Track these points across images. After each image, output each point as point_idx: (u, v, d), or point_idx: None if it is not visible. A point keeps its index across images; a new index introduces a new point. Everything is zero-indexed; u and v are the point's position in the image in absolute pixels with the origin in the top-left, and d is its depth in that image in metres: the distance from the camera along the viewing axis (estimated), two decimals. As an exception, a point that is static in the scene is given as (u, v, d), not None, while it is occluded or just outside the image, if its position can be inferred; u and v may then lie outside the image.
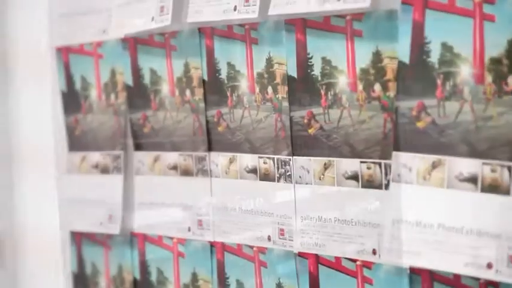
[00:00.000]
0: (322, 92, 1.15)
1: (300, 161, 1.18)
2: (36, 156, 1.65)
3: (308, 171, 1.18)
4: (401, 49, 1.05)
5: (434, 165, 1.03)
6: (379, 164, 1.09)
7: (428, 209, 1.03)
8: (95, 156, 1.50)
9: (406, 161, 1.05)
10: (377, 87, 1.09)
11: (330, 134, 1.15)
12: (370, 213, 1.11)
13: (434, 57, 1.02)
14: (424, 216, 1.03)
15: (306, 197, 1.18)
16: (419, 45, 1.03)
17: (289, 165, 1.20)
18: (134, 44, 1.40)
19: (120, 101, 1.45)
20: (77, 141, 1.54)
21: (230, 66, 1.26)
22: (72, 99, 1.54)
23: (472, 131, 0.99)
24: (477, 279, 0.99)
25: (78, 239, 1.55)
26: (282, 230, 1.22)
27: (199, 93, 1.31)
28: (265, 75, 1.22)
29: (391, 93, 1.07)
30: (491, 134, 0.97)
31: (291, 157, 1.19)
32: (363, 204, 1.12)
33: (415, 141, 1.04)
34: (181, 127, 1.35)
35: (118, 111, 1.45)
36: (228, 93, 1.27)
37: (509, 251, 0.95)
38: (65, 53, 1.54)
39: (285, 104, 1.19)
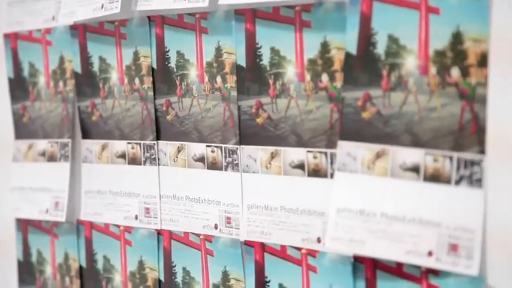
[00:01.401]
0: (271, 81, 1.16)
1: (247, 150, 1.19)
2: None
3: (255, 160, 1.19)
4: (349, 40, 1.06)
5: (378, 155, 1.04)
6: (325, 154, 1.11)
7: (372, 197, 1.05)
8: (42, 144, 1.49)
9: (351, 150, 1.07)
10: (324, 77, 1.11)
11: (278, 123, 1.16)
12: (315, 202, 1.12)
13: (380, 49, 1.04)
14: (368, 205, 1.05)
15: (253, 185, 1.19)
16: (366, 36, 1.05)
17: (236, 154, 1.21)
18: (83, 31, 1.40)
19: (68, 88, 1.44)
20: (24, 129, 1.53)
21: (180, 55, 1.27)
22: (20, 86, 1.53)
23: (415, 121, 1.01)
24: (419, 267, 1.01)
25: (24, 226, 1.54)
26: (228, 218, 1.23)
27: (148, 81, 1.31)
28: (215, 65, 1.23)
29: (338, 83, 1.09)
30: (435, 124, 0.99)
31: (238, 146, 1.20)
32: (309, 193, 1.13)
33: (360, 131, 1.06)
34: (129, 115, 1.35)
35: (66, 98, 1.45)
36: (177, 82, 1.27)
37: (450, 239, 0.97)
38: (13, 40, 1.53)
39: (234, 93, 1.20)
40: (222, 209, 1.23)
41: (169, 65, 1.28)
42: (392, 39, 1.03)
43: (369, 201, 1.05)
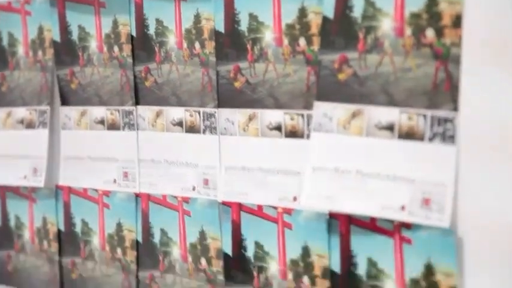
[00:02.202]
0: (249, 47, 1.19)
1: (225, 113, 1.22)
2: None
3: (233, 123, 1.21)
4: (326, 4, 1.09)
5: (354, 115, 1.07)
6: (302, 115, 1.14)
7: (347, 156, 1.08)
8: (21, 112, 1.51)
9: (327, 111, 1.09)
10: (302, 41, 1.13)
11: (255, 87, 1.18)
12: (292, 162, 1.15)
13: (357, 12, 1.07)
14: (343, 163, 1.08)
15: (231, 147, 1.22)
16: (343, 0, 1.08)
17: (214, 117, 1.23)
18: (62, 0, 1.41)
19: (47, 57, 1.46)
20: (2, 98, 1.54)
21: (158, 22, 1.29)
22: (-1, 56, 1.55)
23: (391, 81, 1.04)
24: (392, 221, 1.05)
25: (2, 192, 1.56)
26: (206, 180, 1.25)
27: (127, 49, 1.33)
28: (193, 31, 1.25)
29: (315, 47, 1.12)
30: (410, 84, 1.02)
31: (216, 109, 1.23)
32: (286, 154, 1.16)
33: (336, 92, 1.09)
34: (108, 82, 1.37)
35: (45, 67, 1.46)
36: (156, 49, 1.30)
37: (423, 194, 1.01)
38: (-9, 10, 1.54)
39: (212, 58, 1.22)
40: (200, 171, 1.26)
41: (148, 32, 1.30)
42: (369, 3, 1.06)
43: (344, 159, 1.08)
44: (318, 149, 1.10)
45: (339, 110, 1.08)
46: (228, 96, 1.21)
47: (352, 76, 1.08)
